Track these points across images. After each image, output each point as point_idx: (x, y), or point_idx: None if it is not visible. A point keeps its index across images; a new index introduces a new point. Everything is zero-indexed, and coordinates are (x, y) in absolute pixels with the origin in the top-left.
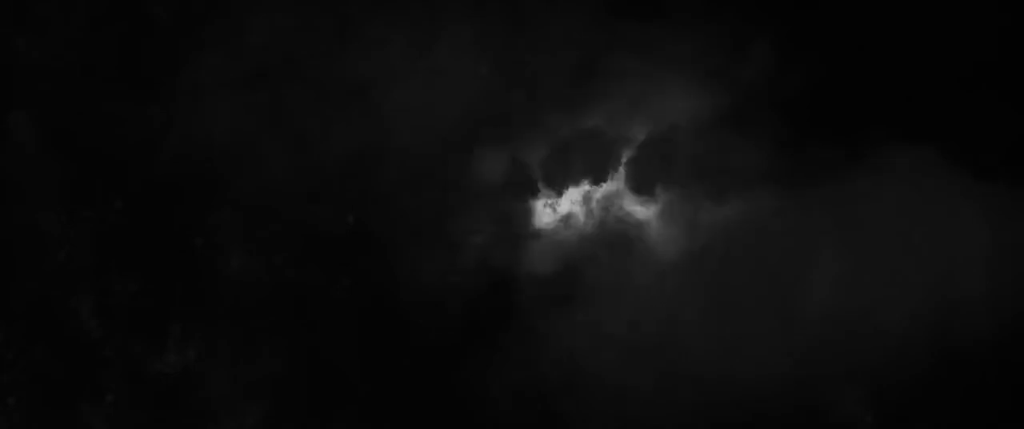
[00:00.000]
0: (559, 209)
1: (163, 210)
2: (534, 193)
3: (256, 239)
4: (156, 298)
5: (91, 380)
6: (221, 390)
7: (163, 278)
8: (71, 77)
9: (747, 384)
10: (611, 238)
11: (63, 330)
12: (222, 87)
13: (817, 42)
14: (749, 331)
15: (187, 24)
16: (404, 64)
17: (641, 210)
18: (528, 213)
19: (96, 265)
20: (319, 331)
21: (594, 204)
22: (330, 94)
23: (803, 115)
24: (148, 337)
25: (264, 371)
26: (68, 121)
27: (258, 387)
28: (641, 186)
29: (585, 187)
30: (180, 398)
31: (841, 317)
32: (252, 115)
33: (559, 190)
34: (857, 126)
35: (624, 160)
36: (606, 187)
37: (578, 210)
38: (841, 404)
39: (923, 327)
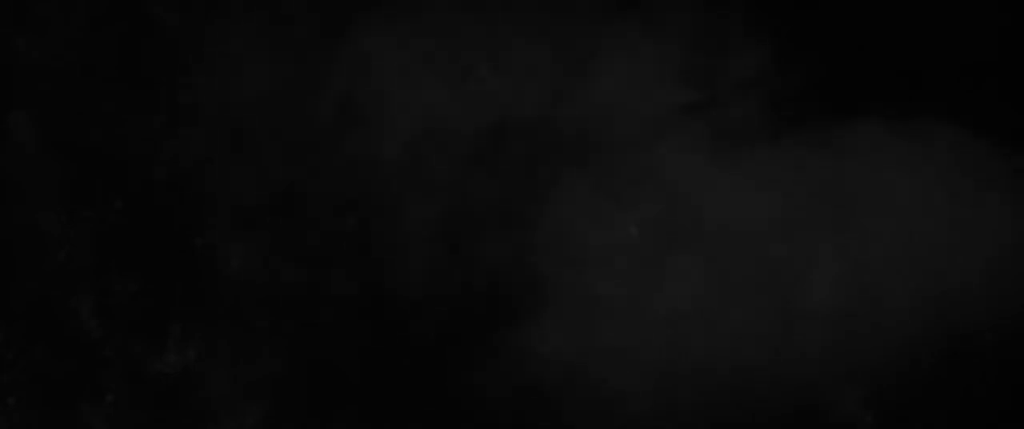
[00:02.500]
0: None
1: (163, 210)
2: (534, 192)
3: (256, 239)
4: (156, 298)
5: (91, 380)
6: (221, 390)
7: (163, 278)
8: (71, 77)
9: (746, 384)
10: (610, 238)
11: (63, 330)
12: (222, 87)
13: (816, 40)
14: (748, 331)
15: (188, 24)
16: (404, 64)
17: (639, 209)
18: (527, 213)
19: (96, 265)
20: (319, 331)
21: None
22: (330, 94)
23: (802, 112)
24: (148, 337)
25: (264, 371)
26: (68, 121)
27: (258, 387)
28: (638, 185)
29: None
30: (180, 398)
31: (841, 316)
32: (252, 115)
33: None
34: (856, 123)
35: (623, 159)
36: (605, 186)
37: (577, 210)
38: (841, 404)
39: (924, 326)
